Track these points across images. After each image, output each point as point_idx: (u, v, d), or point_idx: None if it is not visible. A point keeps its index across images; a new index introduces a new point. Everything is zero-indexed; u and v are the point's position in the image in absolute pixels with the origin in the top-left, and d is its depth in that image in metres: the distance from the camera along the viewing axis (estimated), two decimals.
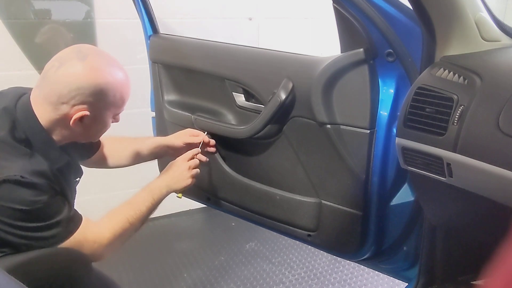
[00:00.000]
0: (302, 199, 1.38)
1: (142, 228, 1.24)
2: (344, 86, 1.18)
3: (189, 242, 2.26)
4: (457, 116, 0.87)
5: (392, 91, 1.15)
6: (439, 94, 0.91)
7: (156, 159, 1.60)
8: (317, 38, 2.47)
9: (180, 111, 1.61)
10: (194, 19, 2.25)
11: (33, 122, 1.07)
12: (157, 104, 1.71)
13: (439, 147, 0.90)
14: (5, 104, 1.08)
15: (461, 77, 0.90)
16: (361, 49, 1.12)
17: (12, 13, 1.90)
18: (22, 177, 0.98)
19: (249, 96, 1.45)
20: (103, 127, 1.17)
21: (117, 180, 1.96)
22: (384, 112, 1.16)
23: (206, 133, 1.49)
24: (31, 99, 1.09)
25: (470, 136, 0.85)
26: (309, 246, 1.97)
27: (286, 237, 1.61)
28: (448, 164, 0.89)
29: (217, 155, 1.54)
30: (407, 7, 1.01)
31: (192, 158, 1.36)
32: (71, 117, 1.07)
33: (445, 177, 0.92)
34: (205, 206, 1.81)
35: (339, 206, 1.30)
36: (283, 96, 1.27)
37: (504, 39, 0.99)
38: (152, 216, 1.27)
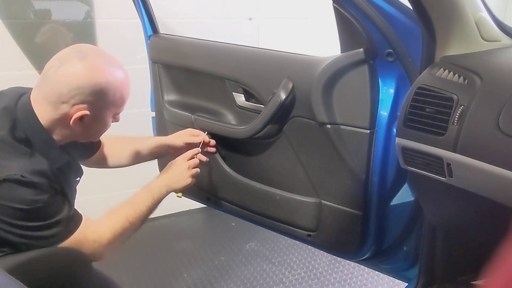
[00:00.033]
0: (302, 199, 1.38)
1: (142, 228, 1.24)
2: (344, 86, 1.18)
3: (189, 242, 2.26)
4: (457, 116, 0.87)
5: (392, 91, 1.15)
6: (439, 94, 0.91)
7: (156, 159, 1.60)
8: (317, 38, 2.46)
9: (180, 111, 1.61)
10: (194, 19, 2.25)
11: (33, 121, 1.07)
12: (157, 104, 1.71)
13: (439, 147, 0.90)
14: (5, 103, 1.08)
15: (461, 77, 0.90)
16: (361, 49, 1.12)
17: (12, 13, 1.90)
18: (22, 176, 0.98)
19: (249, 96, 1.45)
20: (103, 127, 1.17)
21: (117, 180, 1.96)
22: (384, 112, 1.16)
23: (206, 133, 1.49)
24: (31, 99, 1.09)
25: (470, 136, 0.85)
26: (309, 246, 1.97)
27: (286, 237, 1.61)
28: (448, 164, 0.89)
29: (217, 155, 1.54)
30: (407, 7, 1.01)
31: (192, 157, 1.37)
32: (71, 117, 1.07)
33: (445, 177, 0.92)
34: (205, 206, 1.81)
35: (339, 206, 1.30)
36: (283, 96, 1.27)
37: (504, 39, 0.99)
38: (152, 216, 1.27)
